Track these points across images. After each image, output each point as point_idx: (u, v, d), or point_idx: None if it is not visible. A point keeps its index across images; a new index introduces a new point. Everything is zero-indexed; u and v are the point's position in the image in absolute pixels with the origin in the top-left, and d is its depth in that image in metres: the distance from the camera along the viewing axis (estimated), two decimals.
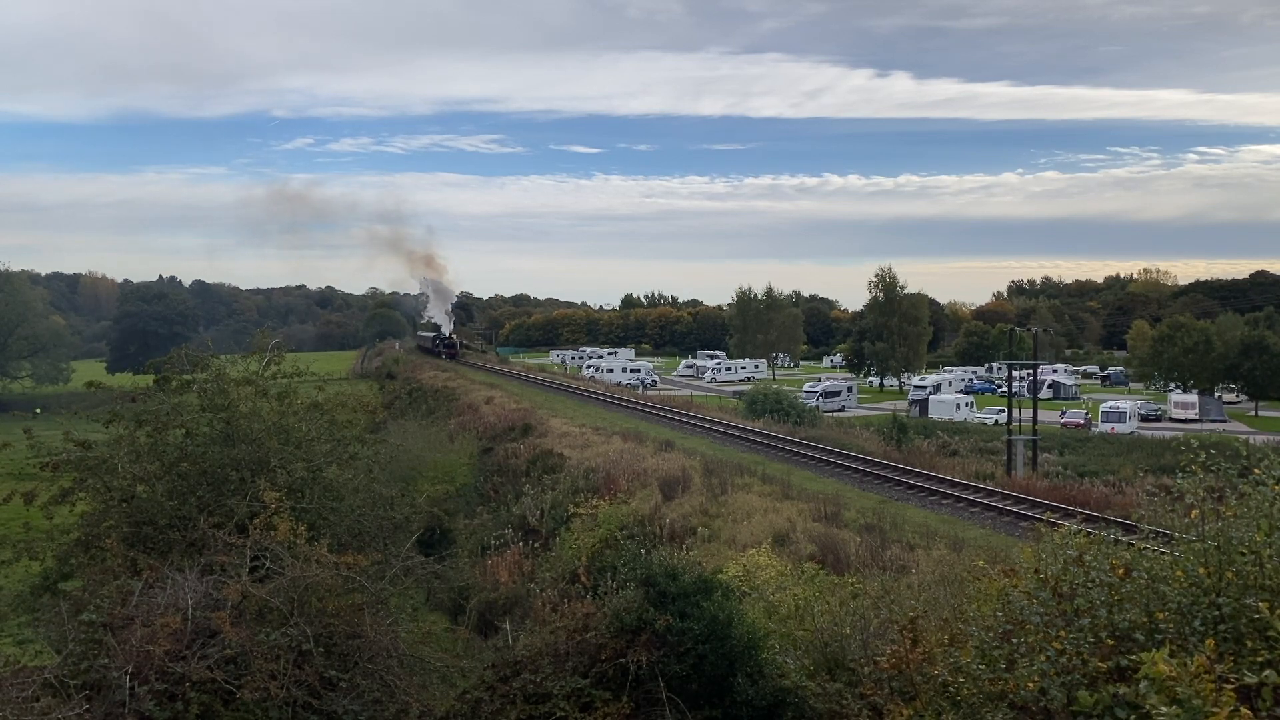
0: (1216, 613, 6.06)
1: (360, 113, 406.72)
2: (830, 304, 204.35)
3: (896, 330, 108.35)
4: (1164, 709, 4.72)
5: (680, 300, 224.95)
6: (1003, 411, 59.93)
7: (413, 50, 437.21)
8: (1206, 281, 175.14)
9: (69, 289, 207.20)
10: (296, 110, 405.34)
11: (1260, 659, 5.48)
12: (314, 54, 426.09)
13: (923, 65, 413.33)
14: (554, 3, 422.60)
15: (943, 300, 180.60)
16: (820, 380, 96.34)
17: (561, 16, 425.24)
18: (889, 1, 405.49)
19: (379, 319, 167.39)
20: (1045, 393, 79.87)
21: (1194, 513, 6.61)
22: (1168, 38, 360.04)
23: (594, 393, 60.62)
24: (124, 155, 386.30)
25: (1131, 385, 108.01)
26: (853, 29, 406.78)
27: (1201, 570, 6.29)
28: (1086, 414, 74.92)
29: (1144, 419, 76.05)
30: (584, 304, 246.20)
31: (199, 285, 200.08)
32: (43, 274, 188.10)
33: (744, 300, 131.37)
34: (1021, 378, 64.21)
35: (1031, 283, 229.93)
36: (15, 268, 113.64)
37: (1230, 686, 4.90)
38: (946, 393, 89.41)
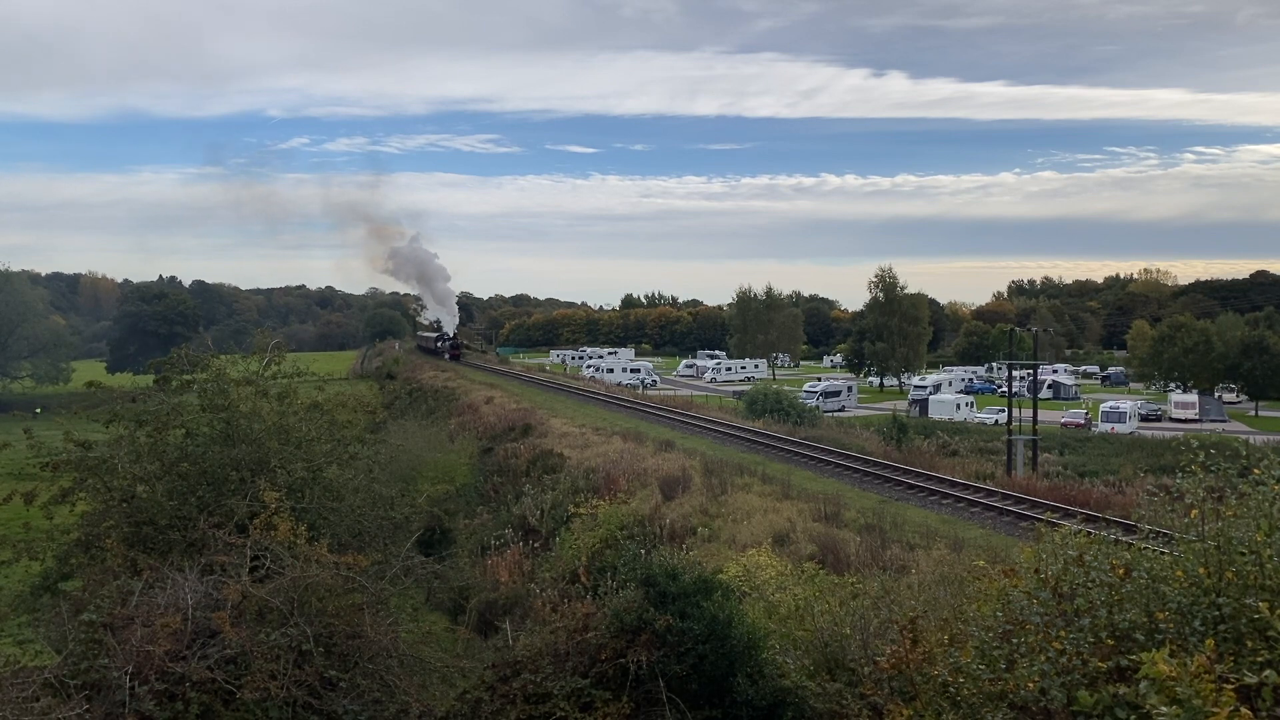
0: (1216, 613, 6.05)
1: (356, 112, 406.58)
2: (830, 304, 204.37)
3: (896, 330, 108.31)
4: (1164, 709, 4.72)
5: (680, 300, 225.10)
6: (1003, 411, 59.94)
7: (407, 50, 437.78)
8: (1206, 281, 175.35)
9: (69, 289, 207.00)
10: (292, 110, 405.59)
11: (1260, 659, 5.48)
12: (308, 53, 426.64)
13: (919, 65, 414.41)
14: (549, 2, 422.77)
15: (943, 300, 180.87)
16: (820, 380, 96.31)
17: (556, 15, 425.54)
18: (884, 1, 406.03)
19: (379, 319, 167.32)
20: (1045, 393, 79.88)
21: (1194, 513, 6.61)
22: (1163, 37, 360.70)
23: (594, 393, 60.62)
24: (121, 155, 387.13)
25: (1131, 385, 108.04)
26: (848, 28, 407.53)
27: (1201, 570, 6.29)
28: (1086, 414, 74.94)
29: (1144, 419, 76.05)
30: (584, 304, 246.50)
31: (199, 285, 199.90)
32: (43, 274, 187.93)
33: (744, 300, 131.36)
34: (1021, 378, 64.22)
35: (1031, 283, 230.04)
36: (15, 268, 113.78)
37: (1230, 686, 4.90)
38: (946, 393, 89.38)
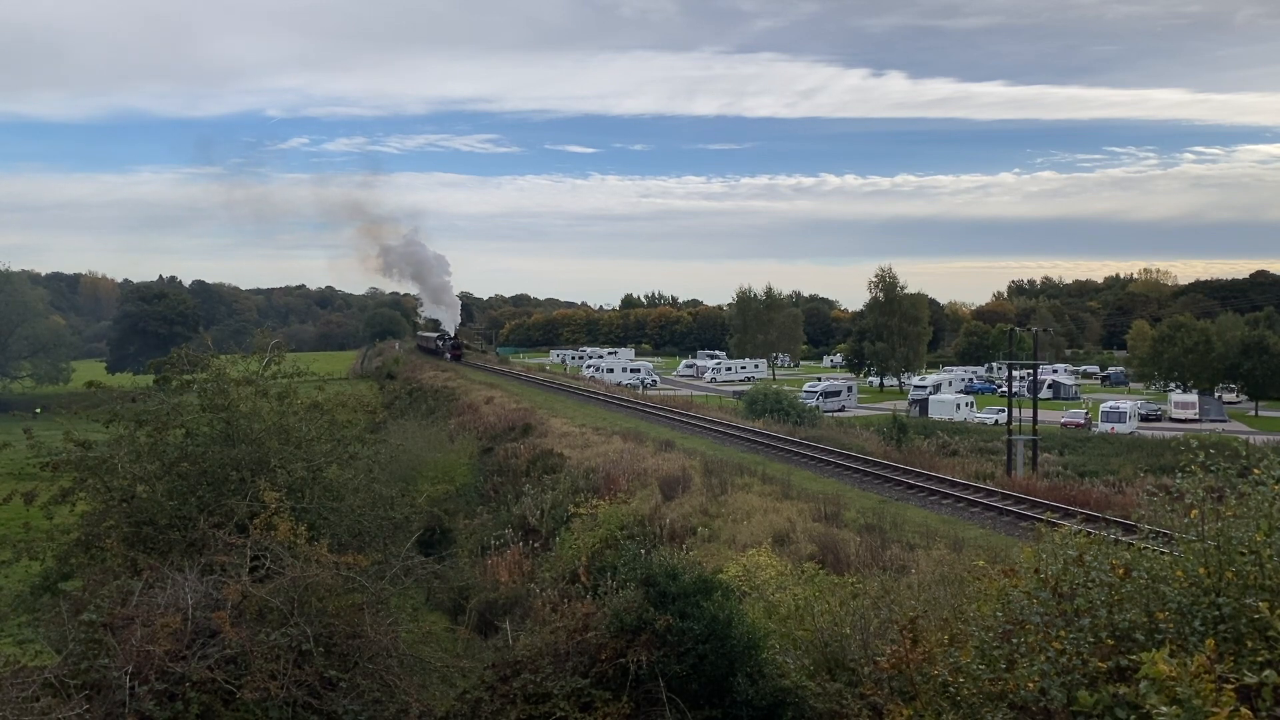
0: (1216, 613, 6.05)
1: (355, 112, 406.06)
2: (830, 304, 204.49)
3: (896, 330, 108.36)
4: (1164, 709, 4.72)
5: (680, 300, 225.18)
6: (1003, 411, 59.93)
7: (406, 49, 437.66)
8: (1206, 281, 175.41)
9: (69, 289, 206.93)
10: (291, 110, 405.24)
11: (1260, 659, 5.48)
12: (308, 53, 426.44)
13: (918, 65, 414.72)
14: (548, 2, 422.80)
15: (943, 300, 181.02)
16: (820, 380, 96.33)
17: (555, 15, 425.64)
18: (883, 1, 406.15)
19: (379, 319, 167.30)
20: (1045, 393, 79.88)
21: (1194, 513, 6.61)
22: (1162, 37, 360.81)
23: (594, 393, 60.61)
24: (119, 155, 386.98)
25: (1131, 385, 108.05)
26: (847, 28, 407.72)
27: (1201, 570, 6.29)
28: (1087, 414, 74.96)
29: (1144, 419, 76.07)
30: (584, 304, 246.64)
31: (199, 285, 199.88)
32: (43, 274, 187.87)
33: (744, 300, 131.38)
34: (1021, 378, 64.21)
35: (1031, 283, 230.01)
36: (15, 268, 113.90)
37: (1230, 686, 4.90)
38: (946, 393, 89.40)
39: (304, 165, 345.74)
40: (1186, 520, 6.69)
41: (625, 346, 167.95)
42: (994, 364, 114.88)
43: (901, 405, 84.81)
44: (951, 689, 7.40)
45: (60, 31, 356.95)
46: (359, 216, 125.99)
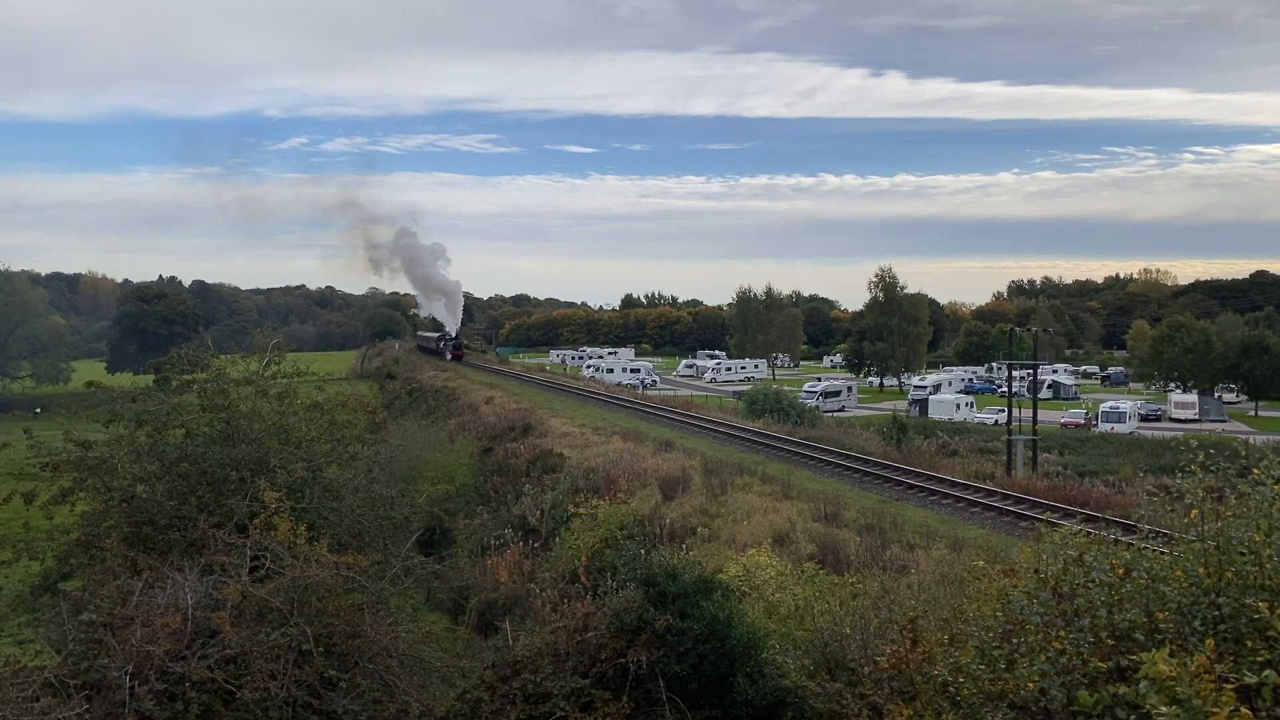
0: (1216, 613, 6.05)
1: (353, 112, 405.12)
2: (830, 304, 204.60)
3: (896, 330, 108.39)
4: (1164, 709, 4.72)
5: (680, 300, 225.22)
6: (1002, 411, 59.95)
7: (405, 49, 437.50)
8: (1206, 281, 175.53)
9: (69, 289, 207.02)
10: (290, 110, 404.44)
11: (1260, 659, 5.48)
12: (306, 53, 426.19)
13: (917, 64, 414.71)
14: (547, 1, 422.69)
15: (943, 300, 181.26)
16: (820, 380, 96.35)
17: (554, 15, 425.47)
18: (882, 1, 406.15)
19: (379, 319, 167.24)
20: (1045, 393, 79.88)
21: (1194, 513, 6.60)
22: (1161, 37, 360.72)
23: (594, 393, 60.62)
24: (118, 155, 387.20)
25: (1131, 385, 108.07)
26: (846, 28, 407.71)
27: (1201, 570, 6.29)
28: (1088, 413, 75.00)
29: (1144, 419, 76.07)
30: (584, 304, 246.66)
31: (199, 285, 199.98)
32: (43, 274, 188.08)
33: (744, 300, 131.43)
34: (1021, 378, 64.22)
35: (1031, 283, 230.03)
36: (15, 268, 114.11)
37: (1230, 686, 4.90)
38: (946, 393, 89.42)
39: (302, 165, 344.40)
40: (1186, 520, 6.68)
41: (625, 346, 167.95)
42: (994, 364, 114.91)
43: (901, 405, 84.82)
44: (951, 689, 7.40)
45: (60, 31, 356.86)
46: (352, 214, 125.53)
